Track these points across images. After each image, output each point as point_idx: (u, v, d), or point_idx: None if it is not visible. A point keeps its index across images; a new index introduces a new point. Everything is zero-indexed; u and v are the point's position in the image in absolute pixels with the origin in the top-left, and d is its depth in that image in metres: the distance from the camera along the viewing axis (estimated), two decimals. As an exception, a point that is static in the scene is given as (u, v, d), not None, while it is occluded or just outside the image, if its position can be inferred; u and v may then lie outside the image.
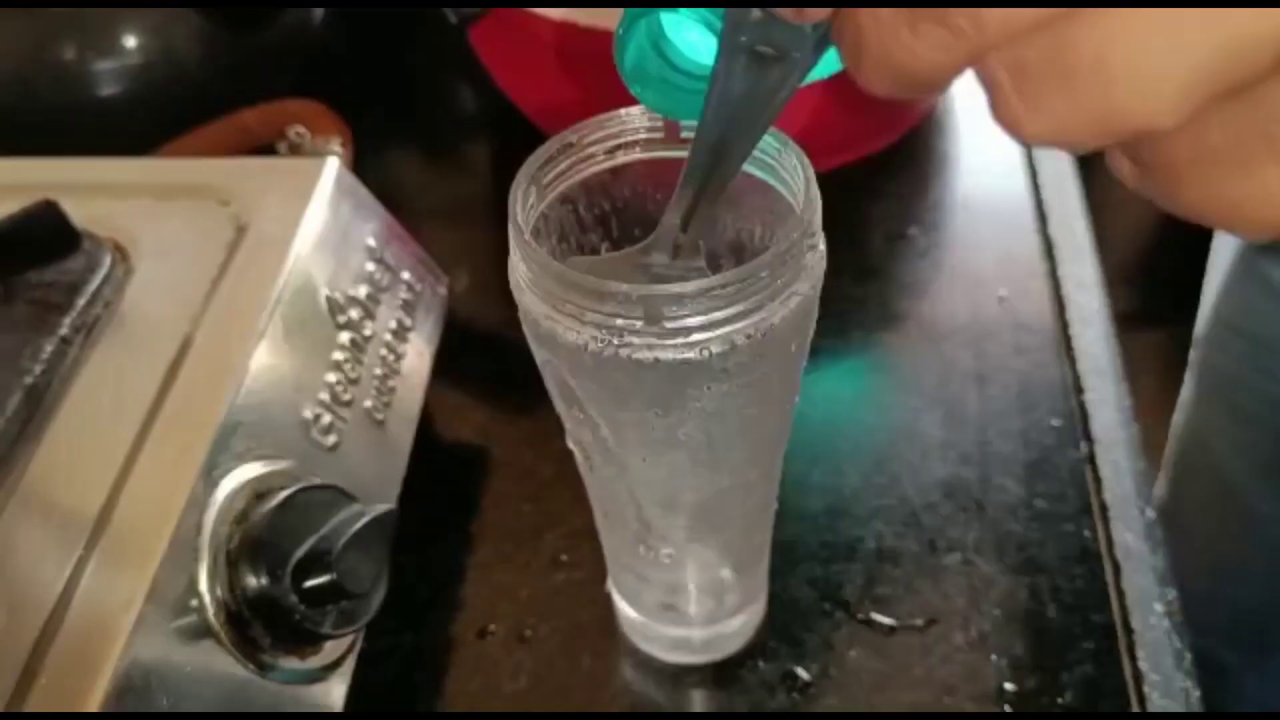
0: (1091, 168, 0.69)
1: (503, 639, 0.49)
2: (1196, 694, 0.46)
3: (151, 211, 0.47)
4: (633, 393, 0.31)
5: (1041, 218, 0.66)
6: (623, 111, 0.34)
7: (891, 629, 0.49)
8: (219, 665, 0.37)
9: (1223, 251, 0.76)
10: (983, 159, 0.72)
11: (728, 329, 0.29)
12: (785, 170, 0.32)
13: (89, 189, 0.48)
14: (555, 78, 0.64)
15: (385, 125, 0.80)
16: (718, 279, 0.28)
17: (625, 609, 0.48)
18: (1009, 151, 0.71)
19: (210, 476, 0.38)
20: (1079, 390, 0.57)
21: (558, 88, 0.64)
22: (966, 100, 0.76)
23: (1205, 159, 0.18)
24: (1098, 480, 0.53)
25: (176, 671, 0.35)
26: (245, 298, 0.43)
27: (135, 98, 0.66)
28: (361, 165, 0.53)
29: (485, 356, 0.62)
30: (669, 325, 0.29)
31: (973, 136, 0.74)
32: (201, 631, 0.36)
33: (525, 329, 0.33)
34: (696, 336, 0.29)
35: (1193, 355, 0.81)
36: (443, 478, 0.56)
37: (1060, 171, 0.69)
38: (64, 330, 0.41)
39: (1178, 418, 0.85)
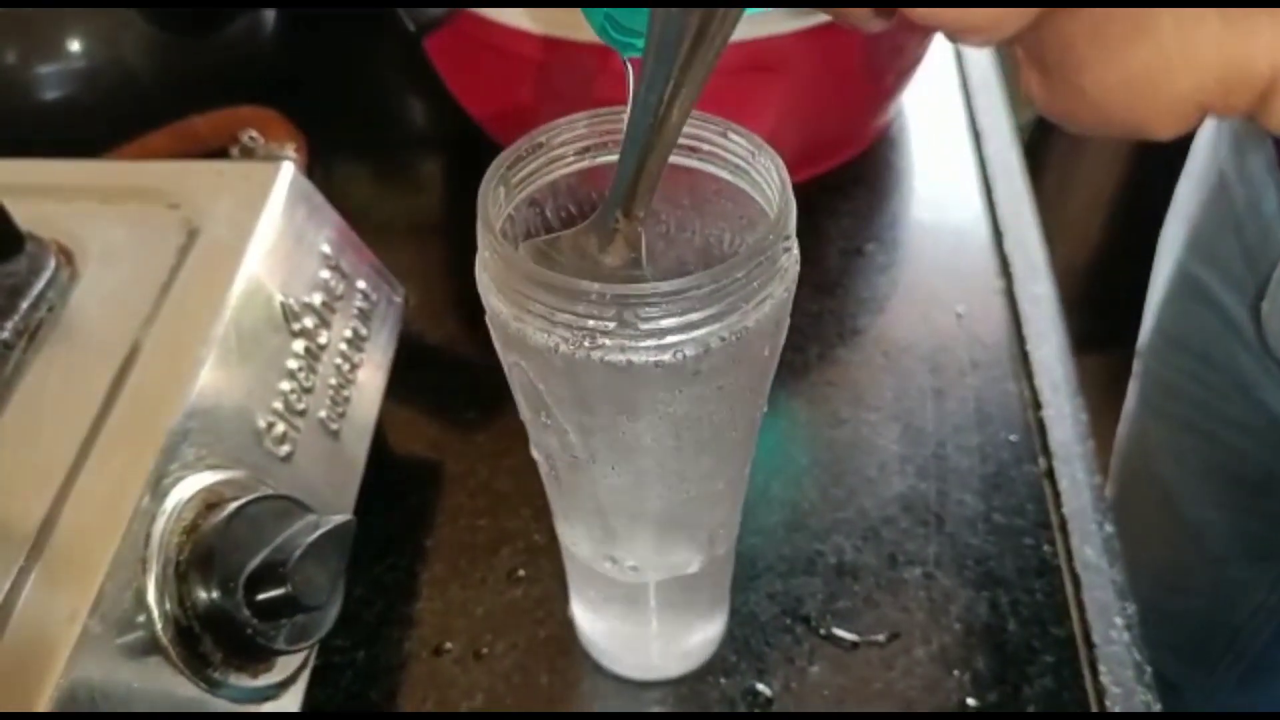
0: (1040, 194, 0.69)
1: (458, 656, 0.48)
2: (1158, 708, 0.46)
3: (98, 214, 0.46)
4: (602, 397, 0.31)
5: (997, 235, 0.67)
6: (594, 112, 0.33)
7: (853, 644, 0.48)
8: (167, 682, 0.35)
9: (1164, 263, 0.77)
10: (939, 176, 0.72)
11: (702, 331, 0.29)
12: (758, 173, 0.32)
13: (33, 191, 0.46)
14: (511, 88, 0.63)
15: (339, 139, 0.78)
16: (693, 279, 0.28)
17: (585, 625, 0.47)
18: (965, 169, 0.72)
19: (159, 486, 0.36)
20: (1036, 406, 0.57)
21: (513, 98, 0.64)
22: (922, 118, 0.77)
23: (1097, 36, 0.19)
24: (1056, 494, 0.53)
25: (121, 688, 0.33)
26: (196, 303, 0.42)
27: (80, 103, 0.64)
28: (313, 179, 0.52)
29: (439, 370, 0.61)
30: (643, 327, 0.28)
31: (929, 154, 0.74)
32: (149, 647, 0.35)
33: (492, 332, 0.32)
34: (670, 339, 0.28)
35: (1136, 366, 0.82)
36: (396, 492, 0.54)
37: (1015, 189, 0.70)
38: (6, 334, 0.40)
39: (1122, 429, 0.86)
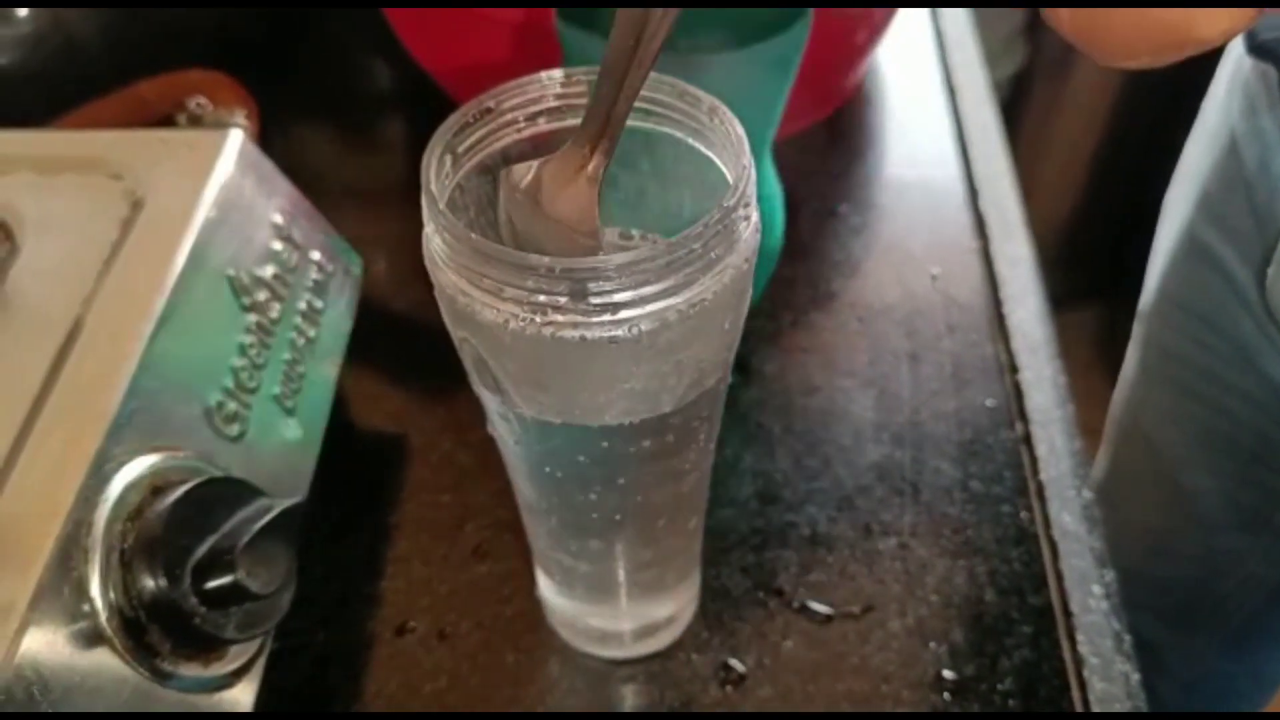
0: (1017, 151, 0.68)
1: (422, 636, 0.47)
2: (1136, 678, 0.45)
3: (37, 187, 0.44)
4: (556, 373, 0.29)
5: (973, 194, 0.65)
6: (544, 74, 0.32)
7: (827, 617, 0.47)
8: (113, 674, 0.34)
9: (1170, 225, 0.75)
10: (913, 136, 0.71)
11: (658, 305, 0.27)
12: (716, 137, 0.31)
13: (-33, 162, 0.44)
14: (465, 41, 0.61)
15: (296, 102, 0.76)
16: (647, 251, 0.26)
17: (552, 602, 0.46)
18: (940, 129, 0.70)
19: (102, 470, 0.35)
20: (1013, 369, 0.56)
21: (468, 52, 0.62)
22: (896, 77, 0.75)
23: None
24: (1034, 460, 0.52)
25: (64, 681, 0.32)
26: (141, 278, 0.40)
27: (24, 70, 0.62)
28: (271, 144, 0.50)
29: (402, 341, 0.60)
30: (595, 301, 0.27)
31: (903, 114, 0.73)
32: (93, 638, 0.33)
33: (441, 307, 0.30)
34: (625, 313, 0.27)
35: (1136, 330, 0.81)
36: (358, 468, 0.53)
37: (991, 149, 0.68)
38: (-62, 314, 0.38)
39: (1118, 395, 0.85)
